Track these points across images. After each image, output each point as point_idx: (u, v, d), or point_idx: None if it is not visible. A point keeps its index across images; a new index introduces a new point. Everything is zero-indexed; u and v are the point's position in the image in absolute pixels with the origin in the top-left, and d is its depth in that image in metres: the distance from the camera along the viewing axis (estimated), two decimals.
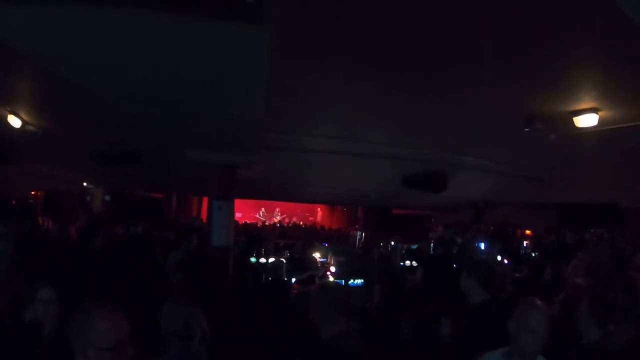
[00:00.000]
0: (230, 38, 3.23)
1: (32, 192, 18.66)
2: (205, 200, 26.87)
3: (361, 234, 17.92)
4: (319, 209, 33.05)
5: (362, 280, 10.07)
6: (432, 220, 23.45)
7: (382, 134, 9.45)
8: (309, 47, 5.19)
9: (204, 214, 25.90)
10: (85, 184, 20.19)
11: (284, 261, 9.80)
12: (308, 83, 6.46)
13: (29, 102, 8.95)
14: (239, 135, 6.08)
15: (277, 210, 32.72)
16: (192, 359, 4.33)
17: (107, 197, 20.90)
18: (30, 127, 9.73)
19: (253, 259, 10.07)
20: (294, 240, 16.76)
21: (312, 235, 20.54)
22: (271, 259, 10.06)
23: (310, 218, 32.64)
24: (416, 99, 7.07)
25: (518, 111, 7.34)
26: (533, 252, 13.62)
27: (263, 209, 31.92)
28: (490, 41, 5.04)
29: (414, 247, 13.90)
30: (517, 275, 10.39)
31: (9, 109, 9.11)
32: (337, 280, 10.04)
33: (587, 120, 7.05)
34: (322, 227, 28.73)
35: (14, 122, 9.30)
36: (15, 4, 2.90)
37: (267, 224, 30.35)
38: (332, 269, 10.92)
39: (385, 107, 7.52)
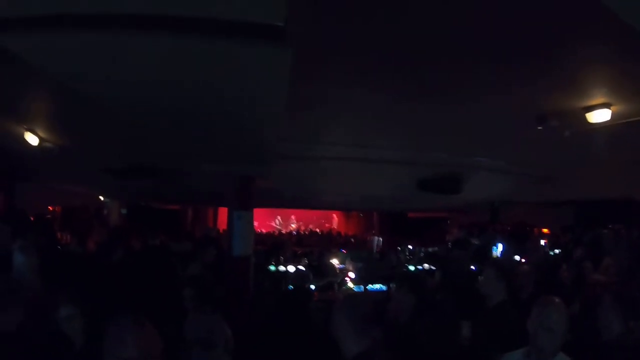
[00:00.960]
0: (253, 57, 3.26)
1: (50, 208, 18.81)
2: (220, 212, 27.18)
3: (378, 239, 17.89)
4: (334, 216, 33.00)
5: (381, 285, 10.08)
6: (448, 222, 23.37)
7: (396, 139, 9.46)
8: (323, 58, 5.21)
9: (219, 225, 26.14)
10: (101, 198, 20.31)
11: (304, 269, 9.78)
12: (322, 92, 6.49)
13: (46, 120, 9.03)
14: (256, 148, 6.12)
15: (292, 217, 32.65)
16: None
17: (124, 211, 21.01)
18: (47, 144, 9.79)
19: (272, 267, 10.09)
20: (311, 247, 16.79)
21: (328, 242, 20.53)
22: (291, 267, 10.06)
23: (326, 225, 32.58)
24: (429, 103, 7.09)
25: (531, 110, 7.33)
26: (551, 250, 13.53)
27: (279, 217, 31.88)
28: (503, 44, 5.06)
29: (431, 250, 13.89)
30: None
31: (25, 127, 9.18)
32: (356, 287, 10.06)
33: (599, 116, 7.03)
34: (339, 233, 28.71)
35: (31, 139, 9.36)
36: (32, 26, 2.95)
37: (283, 232, 30.34)
38: (351, 274, 10.91)
39: (399, 112, 7.53)
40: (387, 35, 4.73)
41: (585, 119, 7.16)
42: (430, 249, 14.03)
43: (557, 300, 4.27)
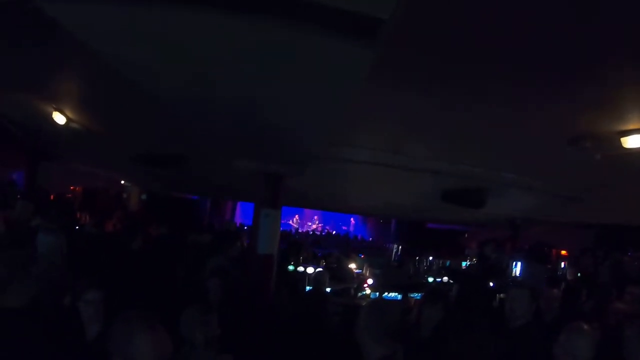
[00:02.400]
0: (335, 54, 3.11)
1: (71, 188, 18.94)
2: (240, 205, 27.23)
3: (397, 247, 17.80)
4: (352, 219, 32.88)
5: (396, 294, 10.00)
6: (466, 235, 23.22)
7: (425, 148, 9.38)
8: (382, 59, 5.15)
9: (237, 218, 26.19)
10: (122, 182, 20.42)
11: (323, 271, 9.72)
12: (359, 97, 6.43)
13: (76, 100, 9.05)
14: (294, 149, 6.06)
15: (315, 218, 32.57)
16: None
17: (144, 196, 21.11)
18: (75, 125, 9.82)
19: (291, 267, 10.05)
20: (329, 249, 16.75)
21: (346, 245, 20.45)
22: (310, 269, 10.01)
23: (344, 227, 32.48)
24: (463, 116, 7.01)
25: (565, 129, 7.22)
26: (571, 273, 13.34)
27: (297, 216, 31.82)
28: (539, 62, 4.98)
29: (448, 263, 13.81)
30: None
31: (54, 106, 9.21)
32: (373, 294, 9.99)
33: (635, 141, 6.89)
34: (355, 237, 28.63)
35: (59, 119, 9.39)
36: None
37: (300, 231, 30.31)
38: (369, 281, 10.83)
39: (432, 122, 7.47)
40: (437, 39, 4.65)
41: (619, 143, 7.02)
42: (447, 262, 13.96)
43: (585, 327, 4.24)
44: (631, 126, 6.77)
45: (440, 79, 5.89)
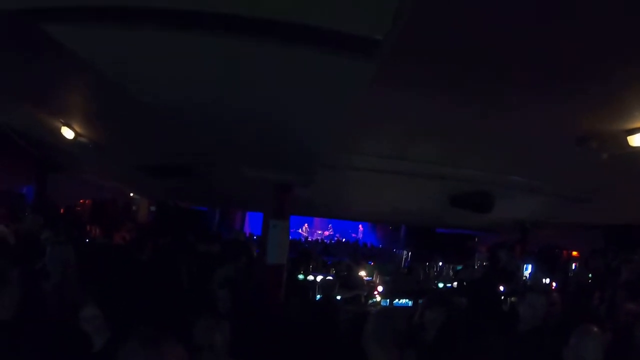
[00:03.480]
0: (335, 68, 3.15)
1: (80, 201, 19.01)
2: (248, 215, 27.24)
3: (407, 253, 17.75)
4: (360, 227, 32.80)
5: (407, 300, 9.98)
6: (476, 240, 23.13)
7: (432, 153, 9.38)
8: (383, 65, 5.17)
9: (246, 229, 26.20)
10: (131, 194, 20.47)
11: (332, 279, 9.71)
12: (362, 102, 6.43)
13: (84, 115, 9.14)
14: (300, 157, 6.08)
15: (329, 225, 32.51)
16: None
17: (152, 208, 21.15)
18: (83, 139, 9.89)
19: (301, 276, 10.04)
20: (339, 257, 16.74)
21: (355, 253, 20.40)
22: (319, 277, 10.01)
23: (353, 235, 32.42)
24: (468, 119, 7.03)
25: (570, 130, 7.23)
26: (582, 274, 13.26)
27: (306, 225, 31.77)
28: (547, 60, 4.99)
29: (459, 268, 13.76)
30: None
31: (62, 121, 9.28)
32: (383, 301, 9.97)
33: None
34: (365, 244, 28.56)
35: (67, 133, 9.47)
36: (87, 18, 2.91)
37: (309, 240, 30.27)
38: (380, 288, 10.81)
39: (438, 126, 7.48)
40: (444, 41, 4.67)
41: (626, 141, 7.00)
42: (458, 267, 13.91)
43: (595, 330, 4.24)
44: (637, 124, 6.76)
45: (445, 84, 5.91)
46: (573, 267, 14.62)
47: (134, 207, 21.10)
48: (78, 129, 9.61)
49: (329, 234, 32.11)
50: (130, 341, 2.94)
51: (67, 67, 6.24)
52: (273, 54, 3.10)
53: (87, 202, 19.17)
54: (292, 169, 6.86)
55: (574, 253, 18.23)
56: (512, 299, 9.26)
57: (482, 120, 7.16)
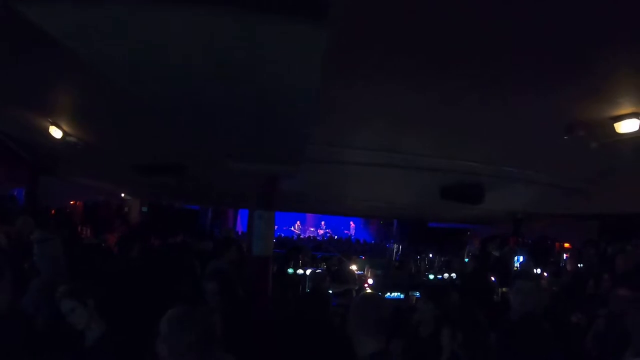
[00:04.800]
0: (287, 37, 3.13)
1: (72, 202, 18.98)
2: (240, 213, 27.26)
3: (398, 247, 17.78)
4: (351, 223, 32.86)
5: (399, 293, 9.99)
6: (469, 233, 23.20)
7: (421, 145, 9.36)
8: (353, 57, 5.16)
9: (239, 227, 26.24)
10: (123, 195, 20.45)
11: (322, 271, 9.72)
12: (351, 94, 6.44)
13: (71, 114, 9.09)
14: (284, 146, 6.06)
15: (322, 223, 32.55)
16: None
17: (144, 209, 21.14)
18: (71, 139, 9.86)
19: (290, 270, 10.06)
20: (330, 252, 16.76)
21: (347, 248, 20.45)
22: (309, 271, 10.03)
23: (346, 231, 32.48)
24: (457, 109, 7.01)
25: (558, 119, 7.21)
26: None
27: (298, 222, 31.82)
28: (533, 50, 4.99)
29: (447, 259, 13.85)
30: (555, 288, 10.20)
31: (50, 120, 9.25)
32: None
33: (628, 126, 6.88)
34: (358, 240, 28.62)
35: (55, 133, 9.43)
36: (72, 3, 2.89)
37: (301, 237, 30.33)
38: (370, 281, 10.83)
39: (426, 117, 7.46)
40: (433, 31, 4.66)
41: (613, 129, 7.02)
42: (446, 258, 13.99)
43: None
44: (623, 111, 6.76)
45: (432, 76, 5.90)
46: (564, 257, 14.64)
47: (126, 208, 21.07)
48: (66, 128, 9.56)
49: (322, 233, 32.14)
50: None
51: (52, 65, 6.22)
52: (234, 26, 3.07)
53: (78, 204, 19.15)
54: (276, 159, 6.84)
55: (566, 245, 18.33)
56: (503, 289, 9.29)
57: (470, 112, 7.15)
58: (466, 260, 13.29)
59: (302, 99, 3.89)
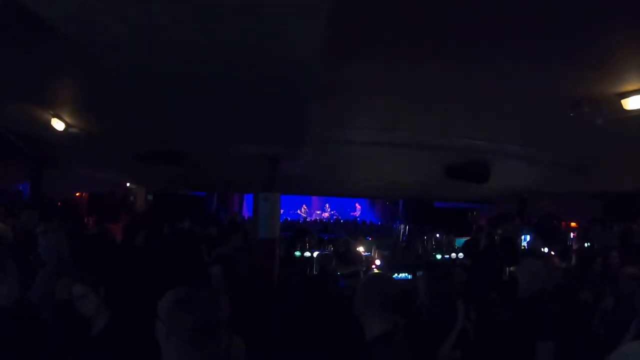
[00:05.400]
0: (286, 16, 3.05)
1: (77, 194, 19.01)
2: (246, 198, 27.28)
3: (404, 227, 17.75)
4: (357, 205, 32.84)
5: (406, 274, 9.98)
6: (475, 213, 23.17)
7: (425, 124, 9.30)
8: (354, 35, 5.10)
9: (245, 212, 26.26)
10: (128, 184, 20.47)
11: (329, 253, 9.70)
12: (352, 73, 6.38)
13: (72, 104, 9.10)
14: (285, 127, 6.01)
15: (326, 205, 32.56)
16: None
17: (150, 197, 21.16)
18: (74, 130, 9.87)
19: (298, 253, 10.05)
20: (337, 234, 16.75)
21: (354, 230, 20.44)
22: (316, 253, 10.03)
23: (352, 213, 32.48)
24: (459, 85, 6.94)
25: (564, 95, 7.14)
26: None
27: (305, 205, 31.82)
28: (537, 23, 4.92)
29: (461, 240, 13.79)
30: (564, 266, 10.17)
31: (52, 113, 9.25)
32: None
33: (636, 102, 6.80)
34: (364, 221, 28.64)
35: (58, 125, 9.46)
36: None
37: (308, 220, 30.35)
38: (377, 262, 10.81)
39: (429, 96, 7.40)
40: (421, 14, 4.60)
41: (620, 105, 6.94)
42: (457, 239, 13.95)
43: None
44: (631, 87, 6.68)
45: (433, 52, 5.83)
46: (571, 236, 14.59)
47: (131, 197, 21.10)
48: (68, 120, 9.58)
49: (329, 215, 32.14)
50: None
51: (51, 55, 6.20)
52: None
53: (83, 195, 19.18)
54: (279, 141, 6.79)
55: (573, 224, 18.28)
56: (511, 268, 9.26)
57: (474, 88, 7.08)
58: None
59: (303, 75, 3.83)
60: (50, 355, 3.63)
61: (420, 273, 6.37)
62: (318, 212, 32.24)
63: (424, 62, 6.16)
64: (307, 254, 10.23)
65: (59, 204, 16.69)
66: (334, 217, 31.71)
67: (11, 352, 3.32)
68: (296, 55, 3.39)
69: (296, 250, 10.09)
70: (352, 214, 32.32)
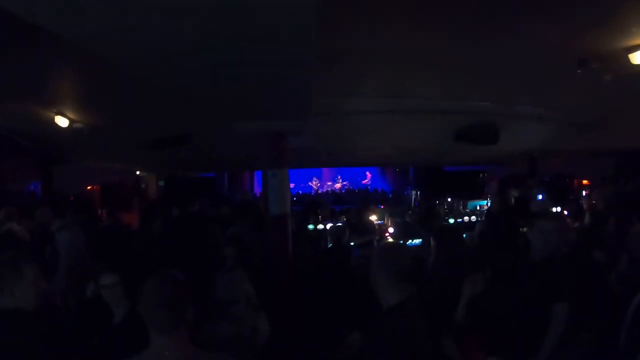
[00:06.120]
0: None
1: (89, 187, 19.09)
2: (256, 175, 27.30)
3: (416, 193, 17.73)
4: (367, 173, 32.79)
5: (420, 240, 9.99)
6: (485, 175, 23.10)
7: (431, 88, 9.25)
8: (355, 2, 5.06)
9: (256, 189, 26.31)
10: (138, 172, 20.54)
11: (342, 225, 9.74)
12: (355, 41, 6.34)
13: (74, 100, 9.17)
14: (287, 101, 5.98)
15: (338, 177, 32.55)
16: (237, 322, 4.56)
17: (161, 183, 21.24)
18: (78, 125, 9.96)
19: (311, 226, 10.08)
20: (349, 204, 16.77)
21: (366, 198, 20.43)
22: (329, 225, 10.06)
23: (363, 182, 32.47)
24: (465, 47, 6.86)
25: (571, 51, 7.07)
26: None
27: (315, 178, 31.79)
28: None
29: (475, 203, 13.80)
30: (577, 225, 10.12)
31: (54, 110, 9.33)
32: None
33: None
34: (376, 190, 28.63)
35: (61, 122, 9.57)
36: None
37: (319, 192, 30.39)
38: (390, 230, 10.82)
39: (434, 59, 7.34)
40: None
41: (627, 60, 6.87)
42: (469, 203, 13.96)
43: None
44: (638, 41, 6.62)
45: (438, 13, 5.77)
46: (583, 194, 14.50)
47: (143, 185, 21.18)
48: (71, 115, 9.68)
49: (340, 186, 32.13)
50: None
51: (50, 53, 6.20)
52: None
53: (95, 187, 19.26)
54: (282, 115, 6.74)
55: (585, 181, 18.19)
56: (524, 229, 9.25)
57: (480, 49, 7.01)
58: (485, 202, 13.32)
59: (300, 43, 3.78)
60: (70, 352, 3.67)
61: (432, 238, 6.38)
62: (329, 184, 32.22)
63: (430, 26, 6.11)
64: (320, 226, 10.27)
65: (71, 198, 16.80)
66: (345, 187, 31.71)
67: (28, 354, 3.35)
68: (291, 22, 3.35)
69: (309, 224, 10.11)
70: (363, 182, 32.28)
